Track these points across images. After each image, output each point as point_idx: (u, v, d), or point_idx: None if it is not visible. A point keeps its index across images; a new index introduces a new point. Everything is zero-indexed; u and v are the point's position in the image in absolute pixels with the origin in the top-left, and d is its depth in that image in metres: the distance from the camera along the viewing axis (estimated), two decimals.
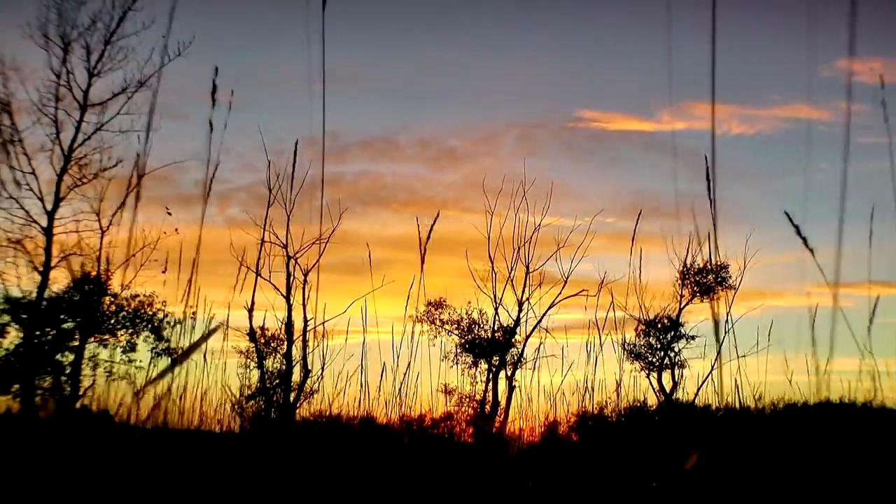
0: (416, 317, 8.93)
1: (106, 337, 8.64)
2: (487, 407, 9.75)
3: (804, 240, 1.62)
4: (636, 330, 10.13)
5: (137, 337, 8.82)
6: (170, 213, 7.61)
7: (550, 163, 16.53)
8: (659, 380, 10.12)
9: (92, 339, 8.47)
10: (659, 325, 10.13)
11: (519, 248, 10.03)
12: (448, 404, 9.74)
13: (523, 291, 10.04)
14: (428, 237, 6.73)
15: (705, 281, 10.17)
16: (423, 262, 6.61)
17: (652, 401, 9.79)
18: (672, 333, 10.14)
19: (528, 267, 10.03)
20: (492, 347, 9.92)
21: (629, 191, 16.60)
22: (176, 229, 8.00)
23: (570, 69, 15.63)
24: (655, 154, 15.14)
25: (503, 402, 9.84)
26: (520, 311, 10.03)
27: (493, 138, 16.34)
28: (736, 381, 8.00)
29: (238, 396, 8.91)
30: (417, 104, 16.28)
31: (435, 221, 6.84)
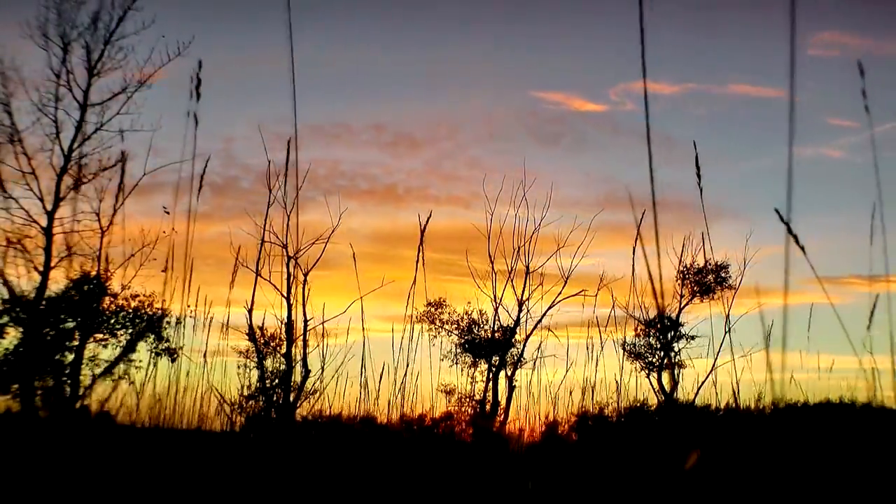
0: (416, 316, 8.95)
1: (106, 337, 8.64)
2: (487, 407, 9.75)
3: (795, 237, 1.60)
4: (636, 330, 10.14)
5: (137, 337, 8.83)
6: (168, 213, 7.59)
7: (516, 147, 16.02)
8: (659, 380, 10.12)
9: (91, 340, 8.48)
10: (658, 325, 10.12)
11: (519, 248, 10.04)
12: (448, 404, 9.76)
13: (523, 291, 10.05)
14: (422, 238, 6.70)
15: (705, 281, 10.17)
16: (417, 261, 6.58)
17: (652, 401, 9.79)
18: (672, 333, 10.13)
19: (528, 267, 10.04)
20: (492, 347, 9.92)
21: (602, 178, 16.20)
22: (174, 229, 7.98)
23: (522, 50, 15.20)
24: (623, 136, 14.96)
25: (503, 402, 9.85)
26: (519, 311, 10.04)
27: (450, 122, 15.69)
28: (736, 380, 8.02)
29: (231, 399, 8.90)
30: (367, 86, 15.50)
31: (428, 220, 6.80)
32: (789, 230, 1.56)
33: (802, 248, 1.58)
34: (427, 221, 6.68)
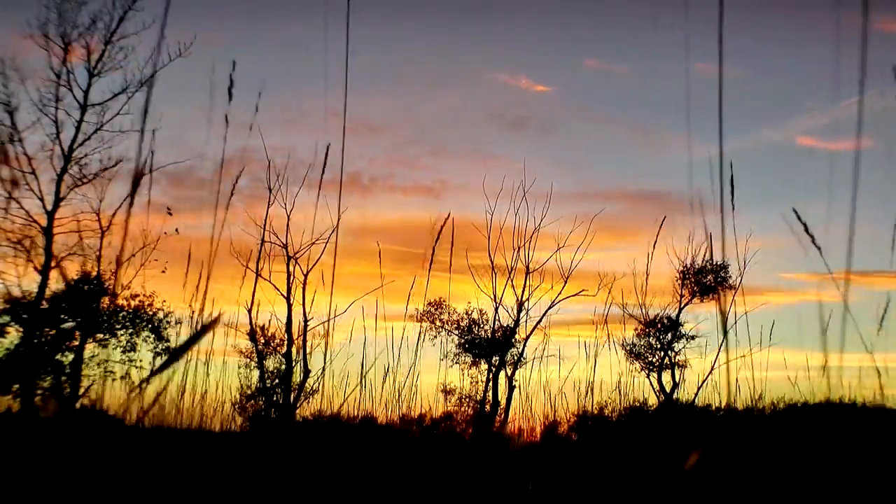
0: (417, 316, 8.95)
1: (106, 337, 8.63)
2: (487, 407, 9.74)
3: (812, 237, 1.60)
4: (636, 330, 10.15)
5: (137, 337, 8.82)
6: (171, 213, 7.59)
7: (481, 134, 15.46)
8: (659, 380, 10.13)
9: (91, 340, 8.47)
10: (659, 325, 10.13)
11: (519, 248, 10.02)
12: (448, 404, 9.75)
13: (523, 291, 10.03)
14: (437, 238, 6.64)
15: (705, 281, 10.18)
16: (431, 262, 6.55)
17: (652, 401, 9.80)
18: (672, 333, 10.15)
19: (528, 266, 10.03)
20: (492, 347, 9.91)
21: (574, 167, 15.84)
22: (177, 229, 8.00)
23: (477, 34, 14.80)
24: (589, 123, 14.73)
25: (503, 402, 9.84)
26: (519, 311, 10.02)
27: (407, 106, 15.17)
28: (736, 380, 8.03)
29: (238, 397, 8.92)
30: (315, 69, 15.10)
31: (443, 225, 6.71)
32: (806, 230, 1.56)
33: (819, 249, 1.59)
34: (444, 224, 6.57)
